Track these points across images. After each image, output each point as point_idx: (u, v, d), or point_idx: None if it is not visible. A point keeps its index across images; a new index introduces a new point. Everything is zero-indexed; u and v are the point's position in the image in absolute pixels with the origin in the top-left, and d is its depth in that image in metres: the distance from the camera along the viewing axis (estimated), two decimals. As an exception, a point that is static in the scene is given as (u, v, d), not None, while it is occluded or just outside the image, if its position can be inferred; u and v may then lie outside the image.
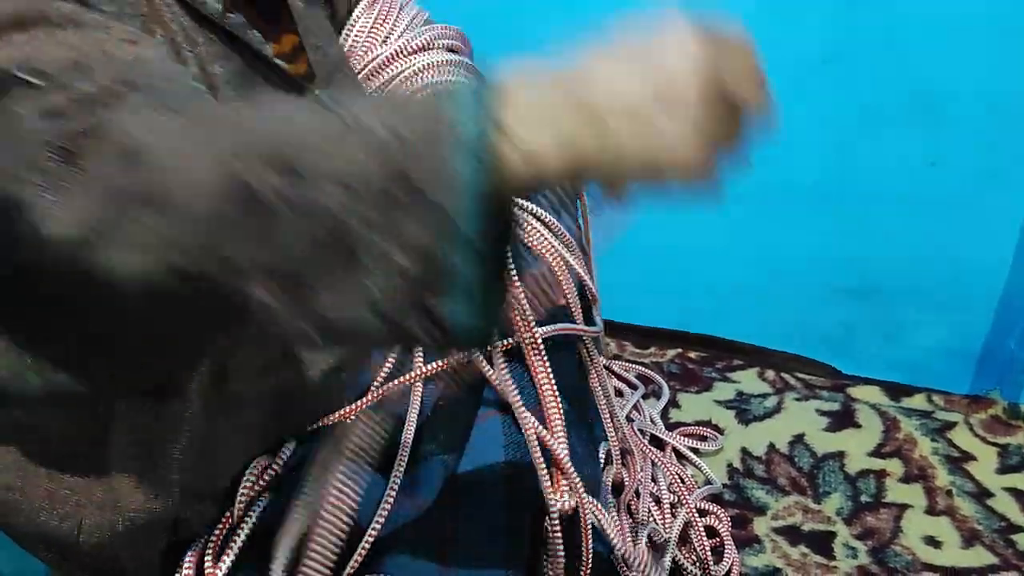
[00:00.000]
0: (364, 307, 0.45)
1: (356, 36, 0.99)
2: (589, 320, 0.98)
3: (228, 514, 0.72)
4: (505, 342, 0.82)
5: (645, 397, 1.38)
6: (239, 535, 0.69)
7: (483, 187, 0.43)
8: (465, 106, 0.45)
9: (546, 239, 0.91)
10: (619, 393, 1.34)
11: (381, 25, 0.99)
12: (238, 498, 0.70)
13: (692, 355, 1.53)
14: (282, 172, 0.44)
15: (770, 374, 1.47)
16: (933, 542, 1.12)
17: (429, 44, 1.00)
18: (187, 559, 0.71)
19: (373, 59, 0.99)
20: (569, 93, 0.46)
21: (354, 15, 1.00)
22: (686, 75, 0.46)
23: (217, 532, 0.72)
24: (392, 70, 0.98)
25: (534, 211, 0.94)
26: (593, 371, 0.98)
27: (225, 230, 0.45)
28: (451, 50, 1.02)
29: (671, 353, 1.54)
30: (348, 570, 0.70)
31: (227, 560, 0.69)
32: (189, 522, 0.72)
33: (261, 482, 0.72)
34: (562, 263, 0.92)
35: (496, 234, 0.45)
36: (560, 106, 0.46)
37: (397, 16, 1.01)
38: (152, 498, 0.69)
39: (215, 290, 0.46)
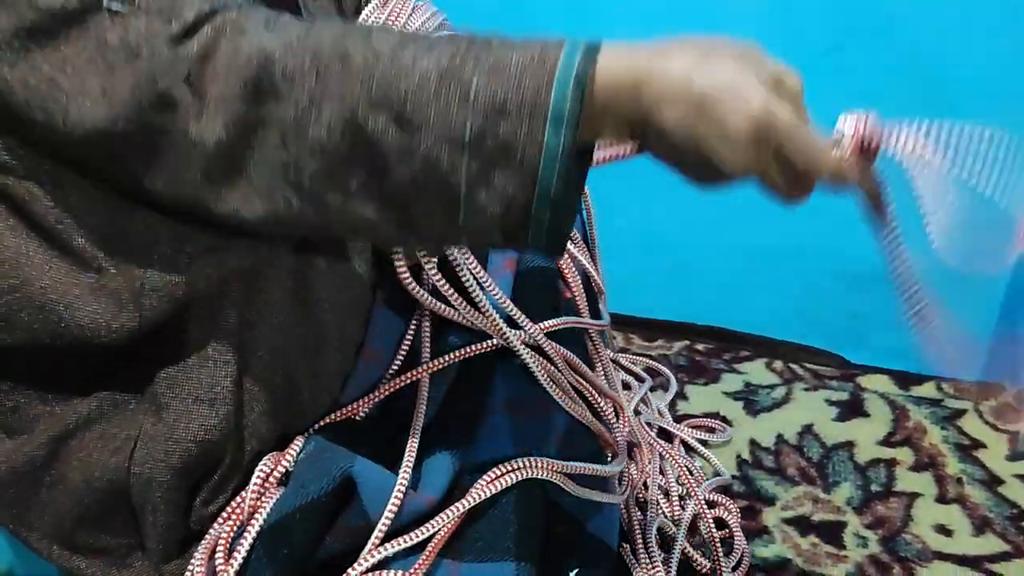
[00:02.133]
0: (455, 232, 0.55)
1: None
2: (595, 313, 0.98)
3: (239, 511, 0.72)
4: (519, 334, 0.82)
5: (653, 390, 1.38)
6: (250, 531, 0.70)
7: (568, 155, 0.51)
8: (562, 83, 0.50)
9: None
10: (626, 386, 1.34)
11: (392, 24, 0.99)
12: (248, 493, 0.71)
13: (699, 347, 1.53)
14: (397, 121, 0.51)
15: (778, 365, 1.47)
16: (944, 530, 1.11)
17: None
18: (198, 555, 0.71)
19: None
20: (647, 78, 0.53)
21: (364, 13, 0.99)
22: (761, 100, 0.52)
23: (227, 529, 0.72)
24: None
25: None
26: (599, 364, 0.98)
27: (342, 163, 0.53)
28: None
29: (678, 345, 1.53)
30: (357, 565, 0.70)
31: (238, 557, 0.69)
32: (238, 460, 0.71)
33: (271, 479, 0.72)
34: (567, 255, 0.92)
35: (572, 185, 0.53)
36: (633, 88, 0.53)
37: (409, 18, 1.00)
38: (206, 427, 0.68)
39: (325, 208, 0.55)
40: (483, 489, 0.73)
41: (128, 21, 0.52)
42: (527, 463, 0.75)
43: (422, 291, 0.78)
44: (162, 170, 0.55)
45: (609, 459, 0.89)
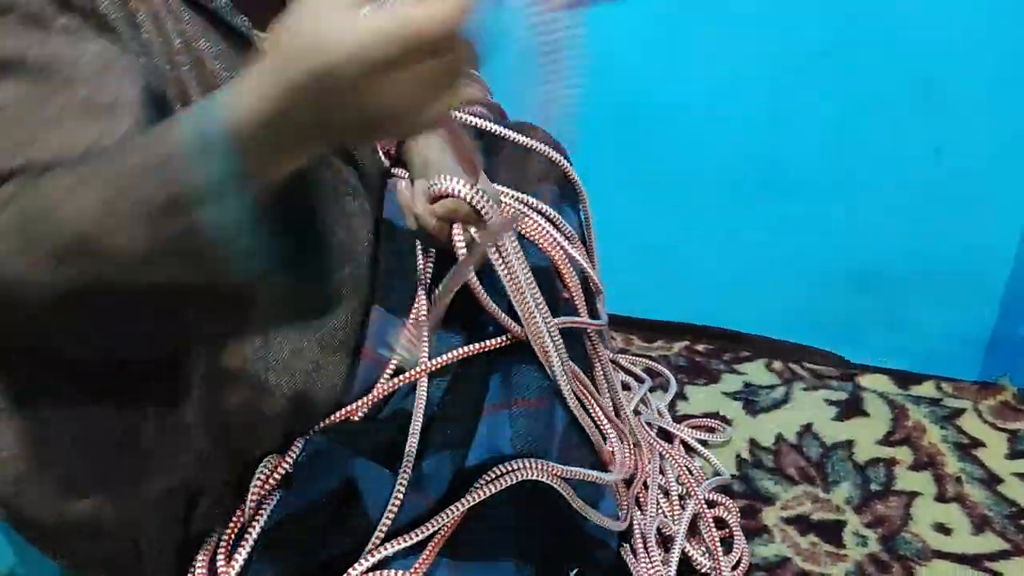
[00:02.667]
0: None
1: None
2: (593, 313, 0.98)
3: (239, 512, 0.73)
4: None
5: (652, 390, 1.38)
6: (251, 533, 0.70)
7: (246, 216, 0.48)
8: (197, 154, 0.48)
9: (547, 231, 0.91)
10: (626, 387, 1.34)
11: None
12: (249, 496, 0.71)
13: (699, 347, 1.53)
14: (80, 260, 0.51)
15: (778, 365, 1.47)
16: (943, 529, 1.11)
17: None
18: (199, 558, 0.71)
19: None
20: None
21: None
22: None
23: (228, 531, 0.73)
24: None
25: (536, 205, 0.94)
26: (598, 364, 0.98)
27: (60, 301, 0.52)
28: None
29: (678, 346, 1.54)
30: (358, 565, 0.70)
31: (239, 559, 0.70)
32: (207, 493, 0.72)
33: (272, 480, 0.72)
34: (564, 255, 0.92)
35: (280, 223, 0.50)
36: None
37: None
38: (173, 465, 0.69)
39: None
40: (482, 490, 0.74)
41: None
42: (527, 464, 0.76)
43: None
44: None
45: (608, 457, 0.89)
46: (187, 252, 0.49)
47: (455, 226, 0.78)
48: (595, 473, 0.83)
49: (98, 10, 0.63)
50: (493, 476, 0.75)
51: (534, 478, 0.76)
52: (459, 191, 0.74)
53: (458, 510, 0.73)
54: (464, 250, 0.78)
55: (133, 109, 0.60)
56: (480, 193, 0.75)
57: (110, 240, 0.50)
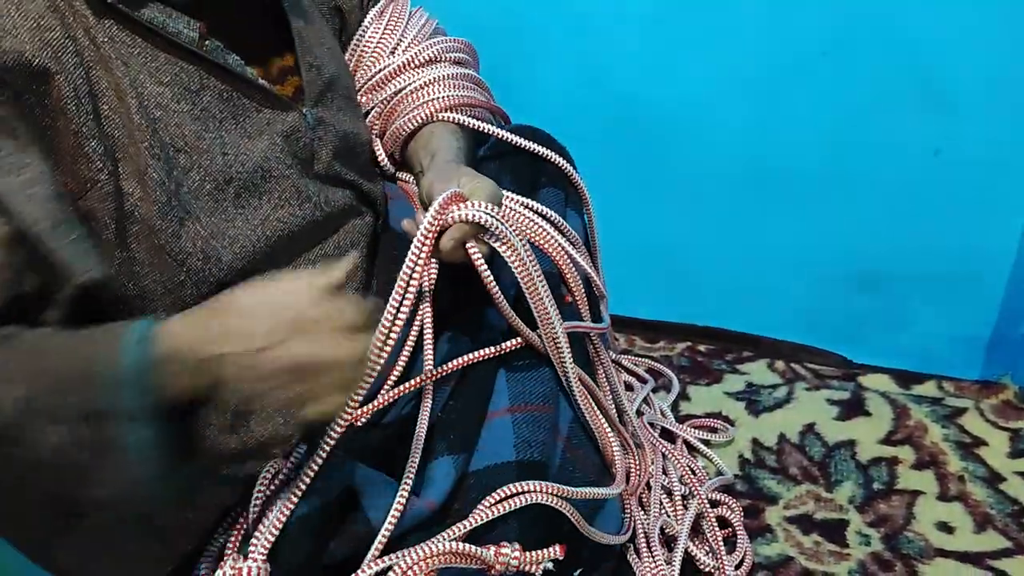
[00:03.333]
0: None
1: (365, 46, 1.00)
2: (596, 317, 0.99)
3: (242, 520, 0.73)
4: (514, 342, 0.83)
5: (655, 391, 1.38)
6: (258, 539, 0.70)
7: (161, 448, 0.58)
8: (126, 377, 0.57)
9: (552, 236, 0.92)
10: (629, 387, 1.35)
11: (390, 35, 1.00)
12: (252, 502, 0.72)
13: (701, 348, 1.54)
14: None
15: (780, 365, 1.48)
16: (946, 528, 1.12)
17: (437, 57, 1.01)
18: (202, 565, 0.72)
19: (381, 69, 1.00)
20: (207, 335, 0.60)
21: (363, 25, 1.01)
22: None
23: (232, 538, 0.73)
24: (399, 82, 0.99)
25: (540, 209, 0.95)
26: (600, 367, 0.99)
27: None
28: (458, 63, 1.03)
29: (680, 346, 1.54)
30: (361, 570, 0.71)
31: (243, 566, 0.70)
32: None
33: (272, 485, 0.73)
34: (568, 259, 0.93)
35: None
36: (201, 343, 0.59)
37: (406, 26, 1.01)
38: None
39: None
40: (486, 511, 0.74)
41: None
42: (532, 487, 0.76)
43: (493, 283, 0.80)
44: None
45: (610, 461, 0.89)
46: (91, 448, 0.58)
47: (469, 246, 0.77)
48: (599, 490, 0.84)
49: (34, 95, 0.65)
50: (498, 499, 0.75)
51: (540, 503, 0.76)
52: (464, 216, 0.74)
53: (460, 531, 0.73)
54: (482, 263, 0.77)
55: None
56: (483, 211, 0.75)
57: (20, 430, 0.56)
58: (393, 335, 0.75)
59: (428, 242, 0.74)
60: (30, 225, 0.62)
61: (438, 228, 0.74)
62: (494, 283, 0.78)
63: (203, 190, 0.72)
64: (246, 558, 0.68)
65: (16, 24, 0.62)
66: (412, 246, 0.74)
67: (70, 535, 0.70)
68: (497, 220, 0.76)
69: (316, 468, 0.72)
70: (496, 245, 0.78)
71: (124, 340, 0.58)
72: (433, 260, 0.77)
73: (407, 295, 0.74)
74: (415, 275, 0.74)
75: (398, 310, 0.74)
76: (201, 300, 0.68)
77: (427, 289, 0.81)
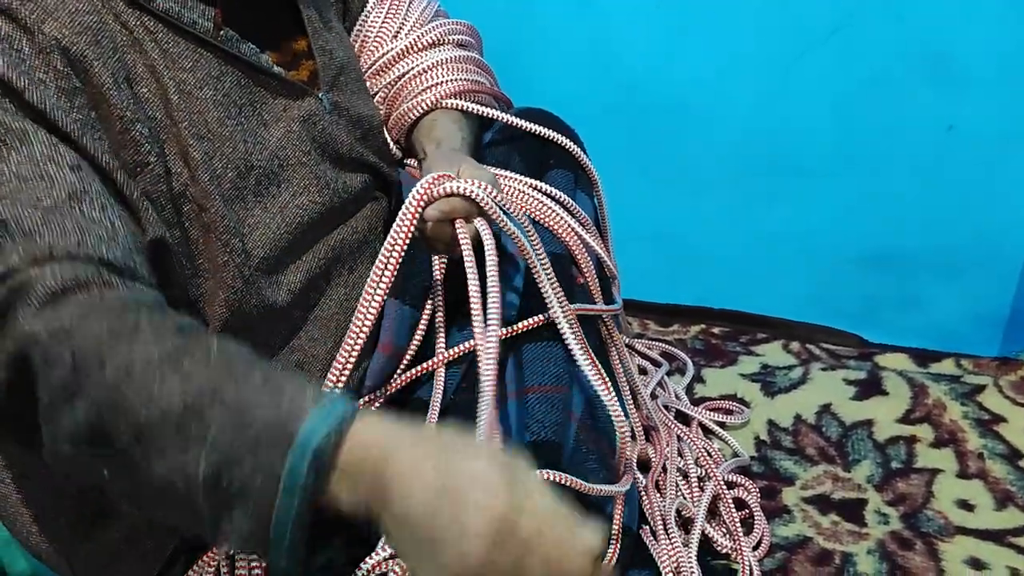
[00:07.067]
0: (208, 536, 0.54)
1: (368, 31, 1.00)
2: (608, 298, 0.98)
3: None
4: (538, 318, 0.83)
5: (670, 374, 1.38)
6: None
7: (298, 522, 0.49)
8: (297, 454, 0.49)
9: (562, 218, 0.91)
10: (643, 371, 1.34)
11: (392, 19, 1.00)
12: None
13: (715, 330, 1.53)
14: (138, 440, 0.51)
15: (795, 346, 1.47)
16: (966, 505, 1.11)
17: (440, 40, 1.00)
18: (206, 559, 0.72)
19: (384, 54, 0.99)
20: (379, 469, 0.50)
21: (366, 9, 1.01)
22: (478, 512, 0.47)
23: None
24: (402, 66, 0.99)
25: (551, 192, 0.94)
26: (614, 349, 0.98)
27: (89, 455, 0.53)
28: (461, 45, 1.03)
29: (694, 329, 1.54)
30: (371, 559, 0.71)
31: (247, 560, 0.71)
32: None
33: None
34: (579, 241, 0.92)
35: (304, 533, 0.51)
36: (370, 476, 0.50)
37: (408, 9, 1.01)
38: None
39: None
40: None
41: None
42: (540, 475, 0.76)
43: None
44: None
45: (622, 443, 0.89)
46: (227, 497, 0.51)
47: (457, 223, 0.76)
48: (606, 487, 0.83)
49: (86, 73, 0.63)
50: None
51: (548, 465, 0.76)
52: (453, 188, 0.74)
53: None
54: (467, 246, 0.74)
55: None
56: (475, 184, 0.74)
57: (167, 445, 0.51)
58: (374, 306, 0.74)
59: (412, 213, 0.73)
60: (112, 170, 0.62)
61: (424, 199, 0.74)
62: (473, 267, 0.74)
63: (225, 178, 0.72)
64: None
65: (56, 6, 0.62)
66: (398, 216, 0.74)
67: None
68: (490, 199, 0.75)
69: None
70: (482, 229, 0.75)
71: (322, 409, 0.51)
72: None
73: (388, 265, 0.73)
74: (397, 247, 0.73)
75: (379, 280, 0.74)
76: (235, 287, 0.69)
77: (439, 273, 0.81)
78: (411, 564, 0.51)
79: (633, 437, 0.98)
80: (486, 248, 0.74)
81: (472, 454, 0.50)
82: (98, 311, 0.53)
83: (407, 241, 0.74)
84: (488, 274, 0.72)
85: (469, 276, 0.72)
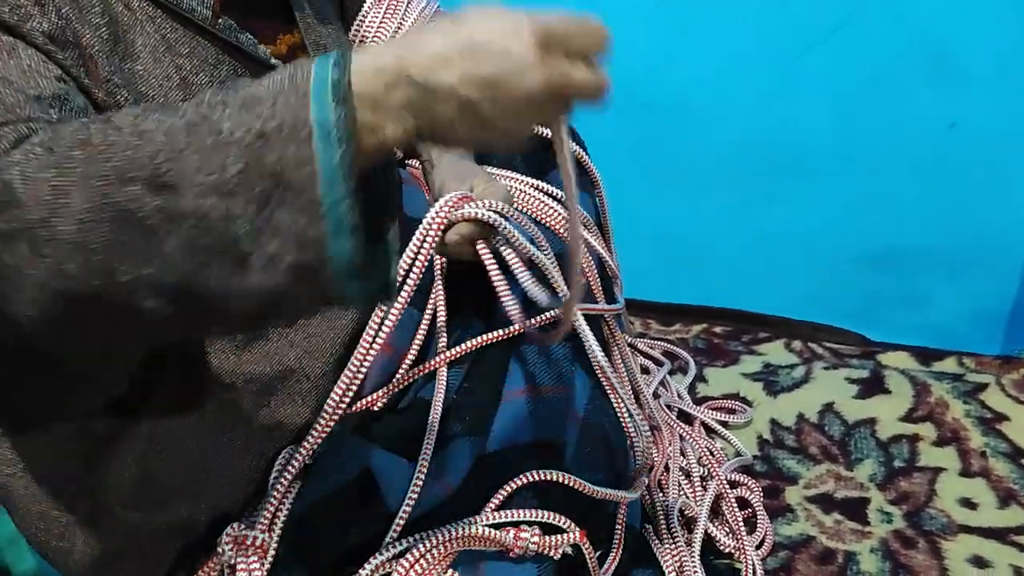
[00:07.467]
0: (259, 299, 0.49)
1: (366, 30, 1.00)
2: (610, 298, 0.98)
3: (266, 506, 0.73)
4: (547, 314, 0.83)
5: (672, 373, 1.38)
6: (276, 524, 0.70)
7: (347, 169, 0.46)
8: (319, 93, 0.47)
9: (564, 218, 0.91)
10: (645, 371, 1.34)
11: (391, 18, 1.00)
12: (271, 489, 0.72)
13: (717, 330, 1.53)
14: (151, 186, 0.47)
15: (797, 345, 1.47)
16: (969, 504, 1.11)
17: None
18: (227, 549, 0.72)
19: (383, 53, 0.99)
20: (403, 60, 0.49)
21: (364, 8, 1.01)
22: (512, 24, 0.51)
23: (261, 523, 0.73)
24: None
25: (551, 191, 0.94)
26: (616, 349, 0.98)
27: (107, 251, 0.47)
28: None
29: (696, 329, 1.54)
30: (379, 554, 0.71)
31: (269, 549, 0.70)
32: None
33: (288, 472, 0.73)
34: (580, 241, 0.92)
35: (374, 205, 0.49)
36: (396, 75, 0.49)
37: (407, 9, 1.01)
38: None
39: (109, 308, 0.50)
40: (501, 514, 0.75)
41: None
42: (545, 475, 0.77)
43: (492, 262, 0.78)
44: None
45: (629, 444, 0.89)
46: (265, 192, 0.47)
47: (479, 245, 0.77)
48: (615, 492, 0.83)
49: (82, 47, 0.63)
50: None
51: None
52: (472, 215, 0.75)
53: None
54: (492, 259, 0.76)
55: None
56: (492, 209, 0.75)
57: (185, 165, 0.47)
58: (389, 322, 0.75)
59: (431, 237, 0.75)
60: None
61: (444, 225, 0.75)
62: (505, 283, 0.76)
63: None
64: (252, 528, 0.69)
65: None
66: (414, 237, 0.75)
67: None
68: (509, 224, 0.76)
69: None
70: (503, 249, 0.77)
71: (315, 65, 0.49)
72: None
73: (406, 284, 0.75)
74: (415, 268, 0.75)
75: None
76: None
77: (439, 273, 0.81)
78: (476, 128, 0.51)
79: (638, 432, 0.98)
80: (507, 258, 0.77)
81: (473, 16, 0.51)
82: (62, 126, 0.51)
83: (425, 265, 0.75)
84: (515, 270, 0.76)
85: (502, 295, 0.76)
